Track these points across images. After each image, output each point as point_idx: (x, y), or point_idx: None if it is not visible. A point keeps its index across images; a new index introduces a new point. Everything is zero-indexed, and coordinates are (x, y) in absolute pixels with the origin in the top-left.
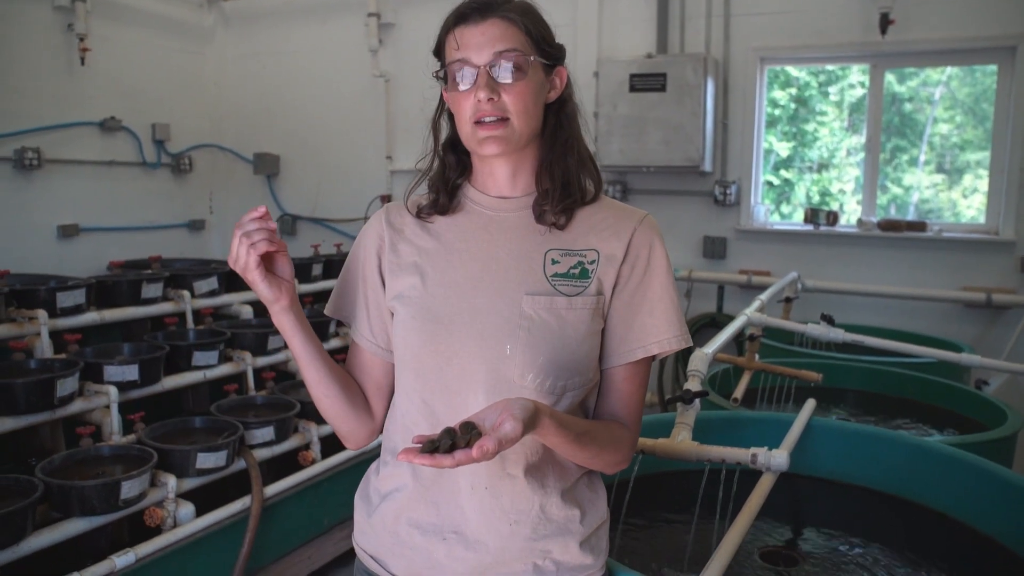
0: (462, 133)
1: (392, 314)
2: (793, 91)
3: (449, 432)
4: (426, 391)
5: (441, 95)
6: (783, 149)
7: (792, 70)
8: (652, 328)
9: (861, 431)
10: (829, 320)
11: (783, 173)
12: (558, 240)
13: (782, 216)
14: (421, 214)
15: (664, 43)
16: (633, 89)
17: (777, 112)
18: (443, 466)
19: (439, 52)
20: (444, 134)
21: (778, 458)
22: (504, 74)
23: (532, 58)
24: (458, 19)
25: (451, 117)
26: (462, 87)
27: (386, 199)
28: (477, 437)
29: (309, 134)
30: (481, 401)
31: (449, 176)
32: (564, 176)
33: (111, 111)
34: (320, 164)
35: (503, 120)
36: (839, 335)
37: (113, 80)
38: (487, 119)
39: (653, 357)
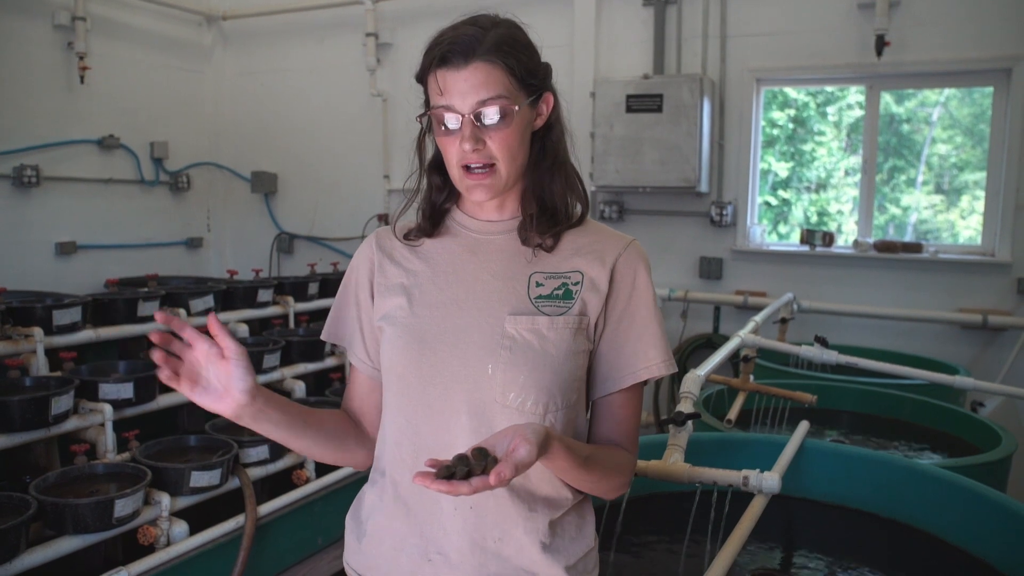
0: (451, 173)
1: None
2: (791, 112)
3: (463, 459)
4: (410, 410)
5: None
6: (782, 169)
7: (791, 91)
8: (641, 355)
9: (855, 453)
10: (823, 342)
11: (781, 193)
12: (543, 263)
13: (780, 236)
14: (408, 238)
15: (661, 64)
16: (630, 110)
17: (776, 132)
18: (460, 493)
19: (423, 81)
20: (429, 154)
21: (769, 480)
22: (488, 122)
23: (516, 107)
24: (441, 62)
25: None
26: (447, 133)
27: (383, 218)
28: (493, 463)
29: (307, 153)
30: (464, 422)
31: (435, 199)
32: (550, 201)
33: (110, 129)
34: (318, 183)
35: (490, 166)
36: (832, 357)
37: (112, 98)
38: (474, 167)
39: (645, 382)
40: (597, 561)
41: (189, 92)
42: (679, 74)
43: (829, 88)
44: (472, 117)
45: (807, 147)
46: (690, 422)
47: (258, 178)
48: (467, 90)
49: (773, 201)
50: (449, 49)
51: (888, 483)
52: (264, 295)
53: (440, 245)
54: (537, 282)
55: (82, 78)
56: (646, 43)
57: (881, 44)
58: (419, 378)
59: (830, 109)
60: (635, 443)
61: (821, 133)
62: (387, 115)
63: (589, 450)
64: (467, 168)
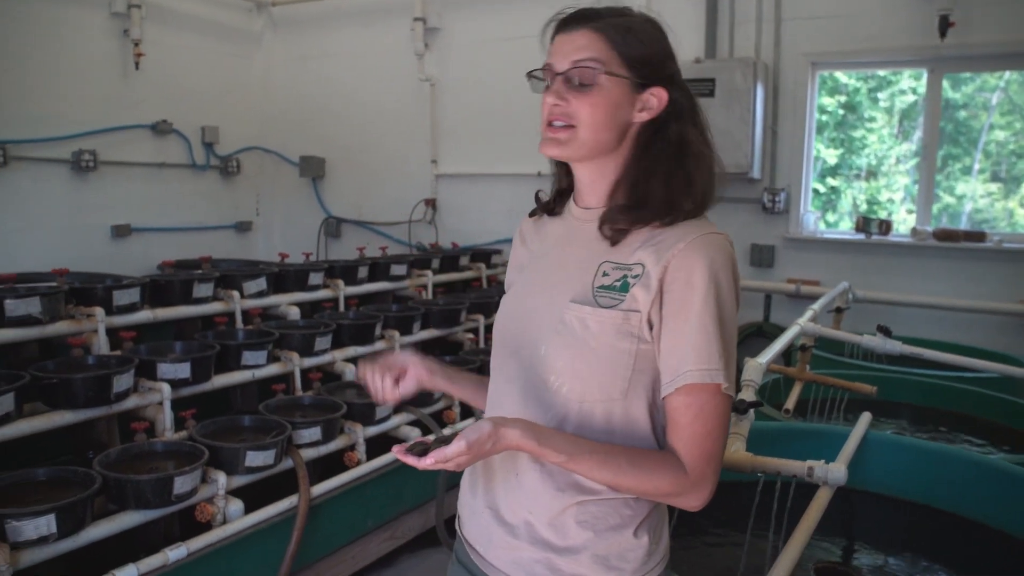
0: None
1: None
2: (841, 97)
3: (441, 440)
4: (494, 375)
5: None
6: (830, 156)
7: (841, 76)
8: (685, 359)
9: (920, 446)
10: (886, 331)
11: (830, 181)
12: (616, 253)
13: (828, 224)
14: (535, 214)
15: (713, 48)
16: None
17: (825, 118)
18: (410, 464)
19: None
20: None
21: (835, 472)
22: (576, 82)
23: (602, 73)
24: (558, 26)
25: None
26: (544, 90)
27: (430, 203)
28: None
29: (354, 137)
30: (516, 394)
31: (561, 182)
32: (644, 197)
33: (163, 114)
34: (365, 167)
35: (570, 127)
36: (896, 347)
37: (165, 84)
38: (555, 123)
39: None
40: (644, 561)
41: (239, 77)
42: (732, 58)
43: (881, 72)
44: (564, 76)
45: (857, 133)
46: (751, 411)
47: (306, 162)
48: (569, 51)
49: (821, 188)
50: (568, 15)
51: (955, 478)
52: (315, 278)
53: (553, 228)
54: (604, 271)
55: (137, 64)
56: (698, 26)
57: (945, 25)
58: (500, 348)
59: (881, 95)
60: (695, 454)
61: (872, 119)
62: (435, 100)
63: (595, 449)
64: (550, 124)
